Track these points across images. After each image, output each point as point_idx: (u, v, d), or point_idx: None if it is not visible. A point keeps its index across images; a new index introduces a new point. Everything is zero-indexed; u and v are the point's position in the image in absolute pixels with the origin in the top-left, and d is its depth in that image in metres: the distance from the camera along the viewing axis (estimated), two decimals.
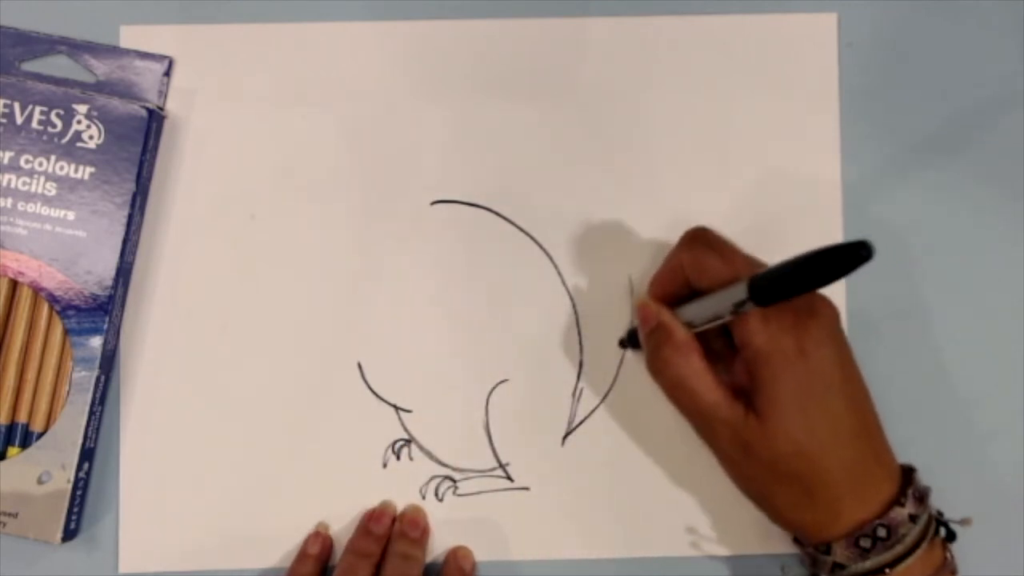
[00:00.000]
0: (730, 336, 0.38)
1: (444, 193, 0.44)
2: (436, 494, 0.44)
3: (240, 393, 0.44)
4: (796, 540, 0.40)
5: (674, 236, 0.44)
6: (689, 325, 0.39)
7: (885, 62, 0.45)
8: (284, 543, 0.43)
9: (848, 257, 0.32)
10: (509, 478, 0.44)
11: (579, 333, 0.44)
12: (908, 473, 0.38)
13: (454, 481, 0.44)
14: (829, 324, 0.37)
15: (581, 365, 0.44)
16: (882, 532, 0.37)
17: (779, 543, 0.43)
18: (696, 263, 0.38)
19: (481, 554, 0.44)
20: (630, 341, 0.44)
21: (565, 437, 0.44)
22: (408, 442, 0.44)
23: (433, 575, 0.43)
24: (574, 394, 0.44)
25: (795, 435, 0.36)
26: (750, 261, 0.38)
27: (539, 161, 0.44)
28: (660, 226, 0.44)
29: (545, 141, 0.44)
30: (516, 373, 0.44)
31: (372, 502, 0.44)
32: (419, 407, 0.44)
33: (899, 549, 0.36)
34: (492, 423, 0.44)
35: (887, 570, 0.36)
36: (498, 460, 0.44)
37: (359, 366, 0.44)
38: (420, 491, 0.44)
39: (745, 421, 0.37)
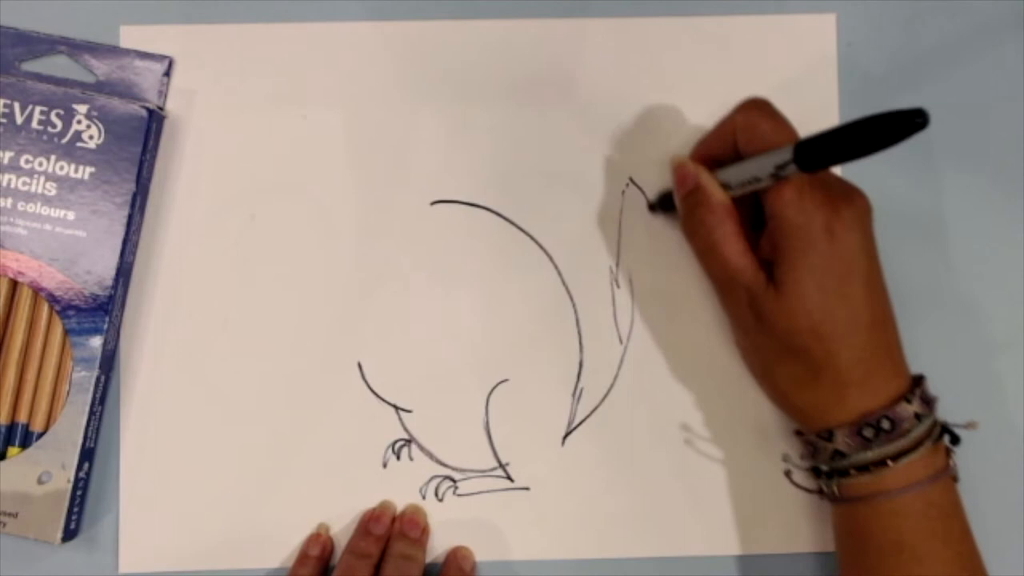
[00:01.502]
0: (759, 212, 0.38)
1: (444, 193, 0.44)
2: (436, 494, 0.44)
3: (240, 393, 0.44)
4: (797, 432, 0.40)
5: (673, 237, 0.44)
6: (725, 187, 0.39)
7: (885, 62, 0.45)
8: (284, 543, 0.43)
9: (902, 124, 0.32)
10: (509, 478, 0.44)
11: (579, 333, 0.44)
12: (918, 379, 0.39)
13: (454, 481, 0.44)
14: (861, 212, 0.37)
15: (581, 365, 0.44)
16: (886, 424, 0.37)
17: (780, 543, 0.43)
18: (749, 125, 0.38)
19: (481, 554, 0.44)
20: (661, 204, 0.43)
21: (565, 437, 0.44)
22: (408, 442, 0.44)
23: (433, 575, 0.43)
24: (574, 394, 0.44)
25: (811, 311, 0.36)
26: (800, 136, 0.38)
27: (539, 161, 0.44)
28: (661, 226, 0.44)
29: (545, 141, 0.44)
30: (516, 373, 0.44)
31: (372, 502, 0.44)
32: (419, 407, 0.44)
33: (902, 443, 0.37)
34: (492, 423, 0.44)
35: (889, 462, 0.37)
36: (498, 460, 0.44)
37: (359, 366, 0.44)
38: (420, 491, 0.44)
39: (764, 290, 0.37)
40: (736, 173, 0.39)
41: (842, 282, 0.36)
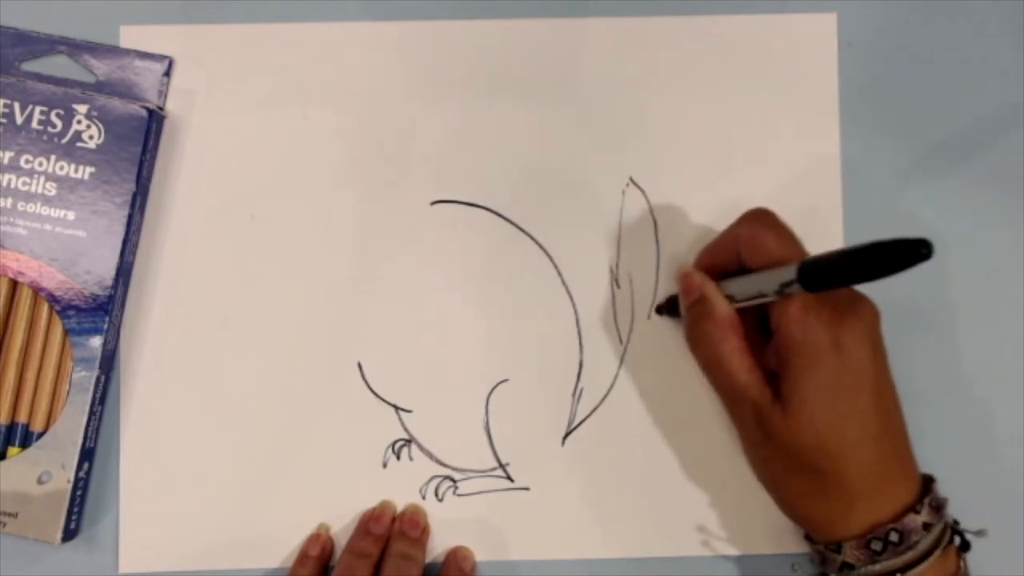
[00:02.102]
0: (765, 320, 0.38)
1: (444, 193, 0.44)
2: (436, 494, 0.44)
3: (240, 393, 0.44)
4: (807, 537, 0.40)
5: (673, 236, 0.44)
6: (730, 299, 0.39)
7: (885, 62, 0.45)
8: (284, 543, 0.43)
9: (906, 253, 0.32)
10: (509, 478, 0.44)
11: (579, 333, 0.44)
12: (927, 482, 0.38)
13: (454, 481, 0.44)
14: (868, 323, 0.37)
15: (581, 365, 0.44)
16: (894, 537, 0.36)
17: (783, 543, 0.44)
18: (753, 239, 0.38)
19: (481, 554, 0.44)
20: (668, 309, 0.43)
21: (565, 437, 0.44)
22: (408, 442, 0.44)
23: (433, 575, 0.43)
24: (574, 394, 0.44)
25: (819, 429, 0.36)
26: (804, 251, 0.38)
27: (539, 161, 0.44)
28: (661, 226, 0.44)
29: (545, 141, 0.44)
30: (516, 373, 0.44)
31: (372, 502, 0.44)
32: (419, 407, 0.44)
33: (910, 556, 0.36)
34: (492, 423, 0.44)
35: (898, 574, 0.36)
36: (498, 460, 0.44)
37: (359, 366, 0.44)
38: (420, 491, 0.44)
39: (772, 407, 0.37)
40: (741, 286, 0.38)
41: (850, 397, 0.36)
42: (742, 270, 0.39)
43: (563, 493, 0.44)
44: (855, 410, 0.36)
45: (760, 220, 0.39)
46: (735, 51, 0.45)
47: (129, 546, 0.43)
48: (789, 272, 0.36)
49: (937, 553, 0.36)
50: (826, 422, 0.36)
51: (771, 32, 0.45)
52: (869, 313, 0.37)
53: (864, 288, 0.36)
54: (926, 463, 0.39)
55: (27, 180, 0.42)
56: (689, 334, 0.40)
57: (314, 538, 0.43)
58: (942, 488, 0.39)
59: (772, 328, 0.37)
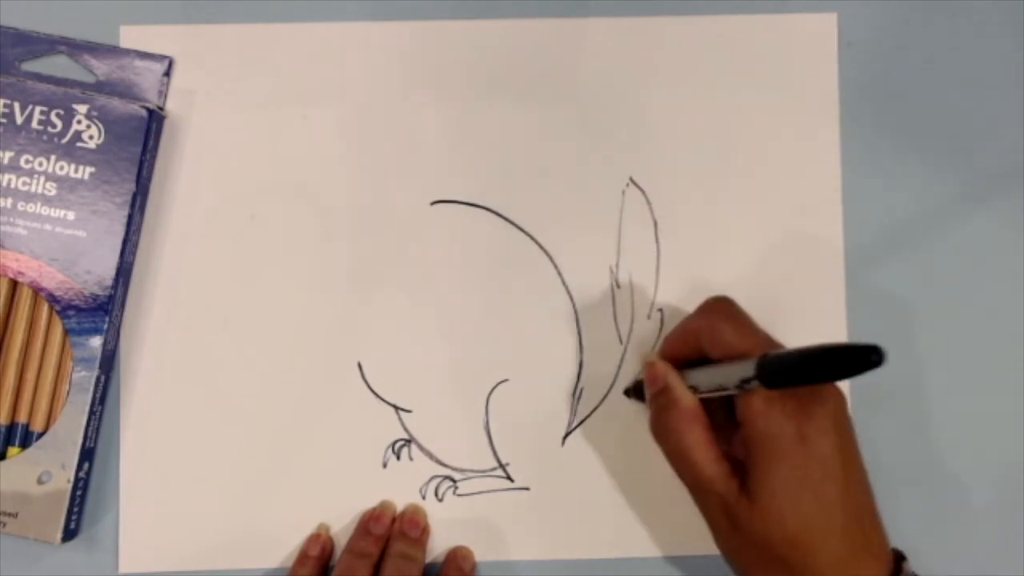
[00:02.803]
0: (733, 407, 0.38)
1: (444, 193, 0.44)
2: (436, 494, 0.44)
3: (240, 393, 0.44)
4: None
5: (673, 236, 0.44)
6: (694, 389, 0.38)
7: (885, 62, 0.45)
8: (284, 543, 0.43)
9: (858, 359, 0.32)
10: (509, 478, 0.44)
11: (579, 333, 0.44)
12: (898, 561, 0.37)
13: (454, 481, 0.44)
14: (834, 411, 0.36)
15: (581, 365, 0.44)
16: None
17: None
18: (712, 331, 0.38)
19: (481, 554, 0.44)
20: (635, 392, 0.43)
21: (565, 437, 0.44)
22: (408, 442, 0.44)
23: (433, 575, 0.43)
24: (574, 394, 0.44)
25: (786, 522, 0.35)
26: (765, 339, 0.38)
27: (539, 161, 0.44)
28: (661, 226, 0.44)
29: (545, 141, 0.44)
30: (516, 373, 0.44)
31: (372, 502, 0.44)
32: (419, 407, 0.44)
33: None
34: (492, 423, 0.44)
35: None
36: (498, 460, 0.44)
37: (359, 366, 0.44)
38: (420, 491, 0.44)
39: (738, 499, 0.36)
40: (704, 378, 0.38)
41: (817, 489, 0.35)
42: (705, 359, 0.39)
43: (563, 493, 0.44)
44: (822, 501, 0.35)
45: (718, 311, 0.39)
46: (735, 51, 0.45)
47: (129, 546, 0.43)
48: (748, 368, 0.35)
49: None
50: (793, 515, 0.35)
51: (771, 32, 0.45)
52: (834, 401, 0.36)
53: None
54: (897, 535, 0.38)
55: (27, 180, 0.42)
56: (654, 424, 0.39)
57: (314, 538, 0.43)
58: (915, 560, 0.38)
59: (738, 419, 0.37)
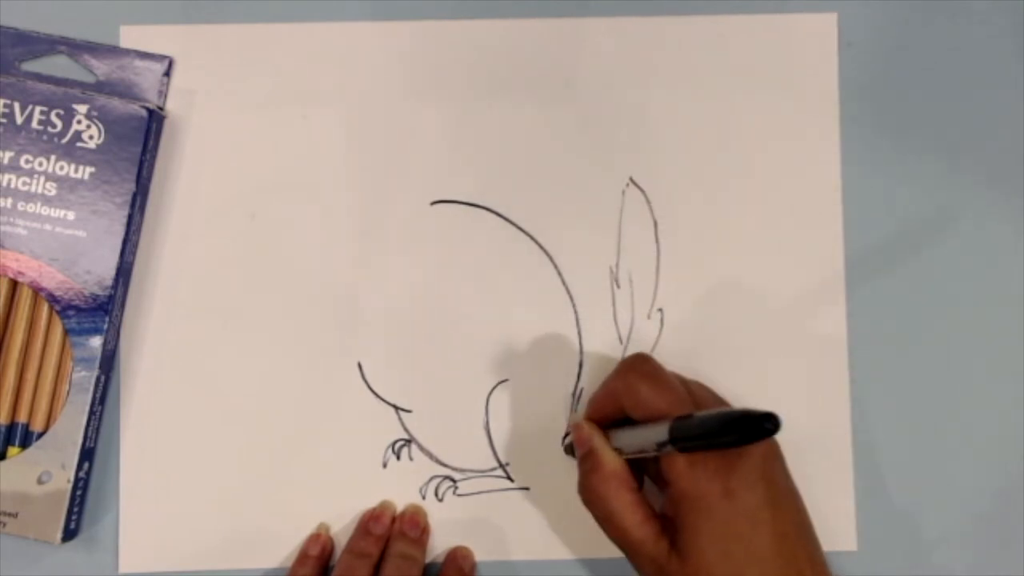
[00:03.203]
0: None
1: (444, 193, 0.44)
2: (436, 494, 0.44)
3: (240, 393, 0.44)
4: None
5: (673, 236, 0.44)
6: (619, 451, 0.38)
7: (885, 62, 0.45)
8: (284, 543, 0.43)
9: (755, 427, 0.32)
10: (509, 478, 0.44)
11: (579, 333, 0.44)
12: None
13: (454, 481, 0.44)
14: (758, 464, 0.35)
15: (581, 365, 0.44)
16: None
17: None
18: (630, 392, 0.38)
19: (481, 554, 0.44)
20: (571, 450, 0.43)
21: (565, 437, 0.44)
22: (408, 442, 0.44)
23: (433, 575, 0.43)
24: (574, 394, 0.44)
25: None
26: (681, 397, 0.37)
27: (539, 161, 0.44)
28: (661, 226, 0.44)
29: (545, 141, 0.44)
30: (516, 373, 0.44)
31: (372, 502, 0.44)
32: (419, 407, 0.44)
33: None
34: (492, 423, 0.44)
35: None
36: (498, 460, 0.44)
37: (359, 366, 0.44)
38: (420, 491, 0.44)
39: (668, 559, 0.36)
40: (627, 440, 0.38)
41: (746, 543, 0.35)
42: (627, 420, 0.38)
43: (563, 493, 0.44)
44: (753, 556, 0.35)
45: (635, 370, 0.38)
46: (735, 51, 0.45)
47: (129, 546, 0.43)
48: (662, 432, 0.35)
49: None
50: (723, 571, 0.35)
51: (771, 32, 0.45)
52: (760, 452, 0.36)
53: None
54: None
55: (27, 180, 0.42)
56: (581, 487, 0.39)
57: (314, 538, 0.43)
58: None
59: (664, 478, 0.37)
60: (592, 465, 0.38)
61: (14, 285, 0.43)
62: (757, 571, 0.35)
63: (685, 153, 0.44)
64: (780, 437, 0.43)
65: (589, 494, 0.39)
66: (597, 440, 0.39)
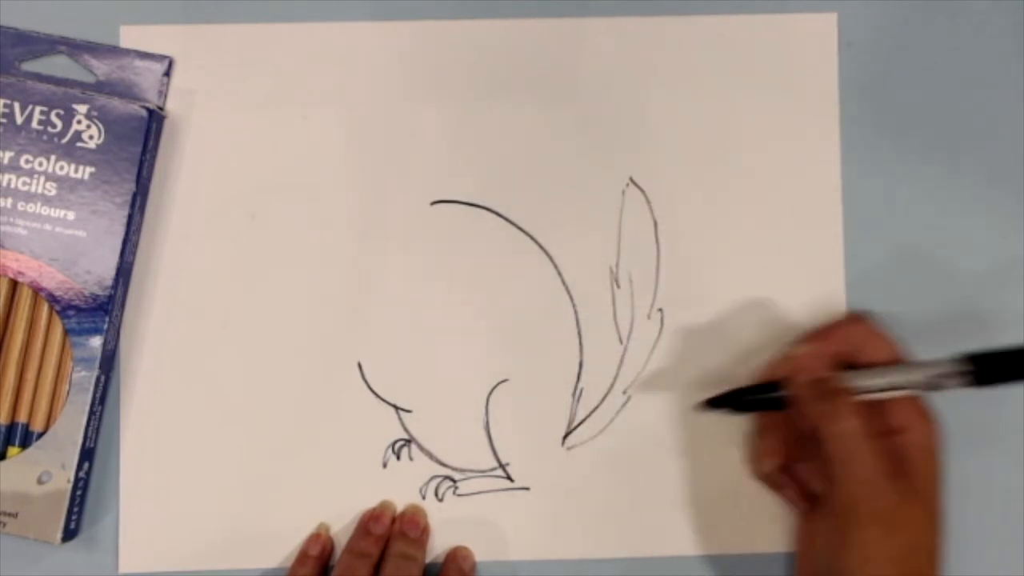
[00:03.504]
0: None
1: (444, 193, 0.44)
2: (436, 494, 0.44)
3: (240, 393, 0.44)
4: None
5: (673, 236, 0.44)
6: (856, 388, 0.39)
7: (885, 62, 0.45)
8: (284, 543, 0.43)
9: None
10: (509, 478, 0.44)
11: (579, 333, 0.44)
12: None
13: (454, 481, 0.44)
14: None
15: (581, 365, 0.44)
16: None
17: (782, 543, 0.43)
18: (868, 335, 0.40)
19: (481, 554, 0.44)
20: (728, 403, 0.41)
21: (565, 437, 0.44)
22: (408, 442, 0.44)
23: (433, 575, 0.43)
24: (574, 394, 0.44)
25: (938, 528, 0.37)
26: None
27: (539, 161, 0.44)
28: (661, 226, 0.44)
29: (545, 141, 0.44)
30: (516, 373, 0.44)
31: (372, 502, 0.44)
32: (419, 407, 0.44)
33: None
34: (492, 423, 0.44)
35: None
36: (498, 460, 0.44)
37: (359, 366, 0.44)
38: (420, 491, 0.44)
39: (903, 497, 0.37)
40: (874, 378, 0.39)
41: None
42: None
43: (563, 493, 0.44)
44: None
45: (864, 319, 0.41)
46: (735, 51, 0.45)
47: (129, 546, 0.43)
48: (950, 364, 0.37)
49: None
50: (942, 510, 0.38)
51: (771, 32, 0.45)
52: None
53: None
54: None
55: (27, 180, 0.42)
56: (811, 414, 0.39)
57: (314, 538, 0.43)
58: None
59: (894, 426, 0.38)
60: (834, 389, 0.38)
61: (14, 285, 0.43)
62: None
63: (685, 153, 0.44)
64: None
65: (830, 417, 0.38)
66: (832, 370, 0.39)
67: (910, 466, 0.38)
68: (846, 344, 0.40)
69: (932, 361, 0.37)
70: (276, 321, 0.44)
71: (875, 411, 0.39)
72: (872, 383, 0.39)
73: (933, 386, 0.37)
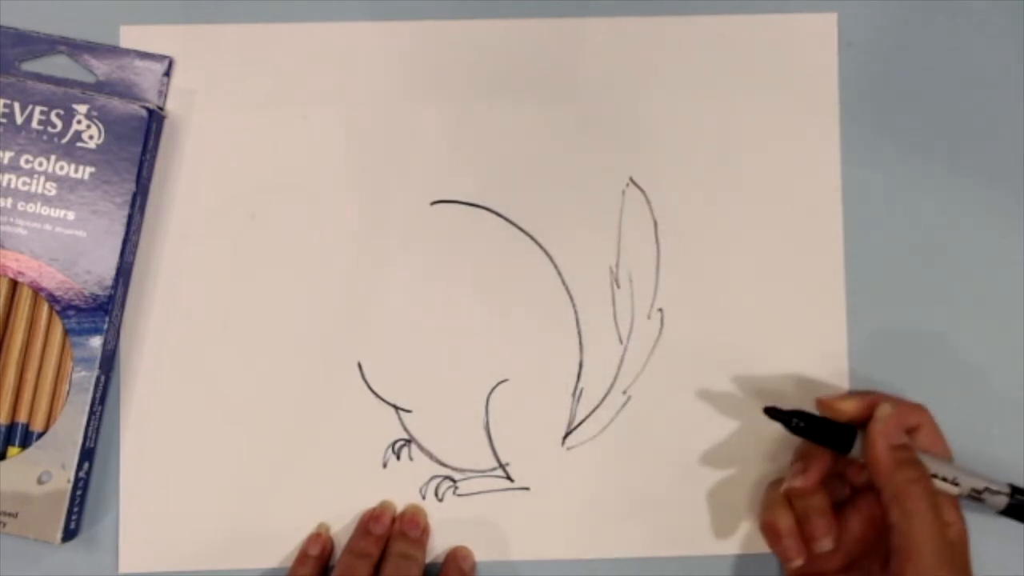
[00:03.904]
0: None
1: (444, 193, 0.44)
2: (436, 494, 0.44)
3: (240, 393, 0.44)
4: None
5: (673, 236, 0.44)
6: (939, 478, 0.40)
7: (885, 62, 0.45)
8: (284, 543, 0.43)
9: None
10: (509, 478, 0.44)
11: (579, 333, 0.44)
12: None
13: (454, 481, 0.44)
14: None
15: (581, 365, 0.44)
16: None
17: None
18: (929, 426, 0.41)
19: (481, 554, 0.44)
20: (789, 421, 0.40)
21: (565, 437, 0.44)
22: (408, 442, 0.44)
23: (433, 575, 0.43)
24: (574, 394, 0.44)
25: None
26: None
27: (539, 161, 0.44)
28: (661, 226, 0.44)
29: (545, 141, 0.44)
30: (516, 373, 0.44)
31: (372, 502, 0.44)
32: (419, 407, 0.44)
33: None
34: (492, 423, 0.44)
35: None
36: (498, 460, 0.44)
37: (359, 366, 0.44)
38: (420, 491, 0.44)
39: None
40: (961, 475, 0.40)
41: None
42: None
43: (563, 493, 0.44)
44: None
45: (935, 422, 0.41)
46: (735, 51, 0.45)
47: (129, 546, 0.43)
48: (999, 484, 0.40)
49: None
50: None
51: (771, 32, 0.45)
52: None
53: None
54: None
55: (27, 180, 0.42)
56: (888, 477, 0.38)
57: (314, 537, 0.43)
58: None
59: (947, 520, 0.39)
60: (911, 459, 0.39)
61: (14, 285, 0.43)
62: None
63: (685, 153, 0.44)
64: (779, 446, 0.43)
65: (916, 483, 0.38)
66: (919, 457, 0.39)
67: (961, 561, 0.39)
68: (907, 423, 0.40)
69: (988, 477, 0.40)
70: (276, 321, 0.44)
71: None
72: (939, 471, 0.40)
73: (977, 496, 0.40)
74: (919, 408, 0.41)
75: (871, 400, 0.41)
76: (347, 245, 0.44)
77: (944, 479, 0.39)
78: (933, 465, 0.39)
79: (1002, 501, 0.40)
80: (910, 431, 0.40)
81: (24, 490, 0.41)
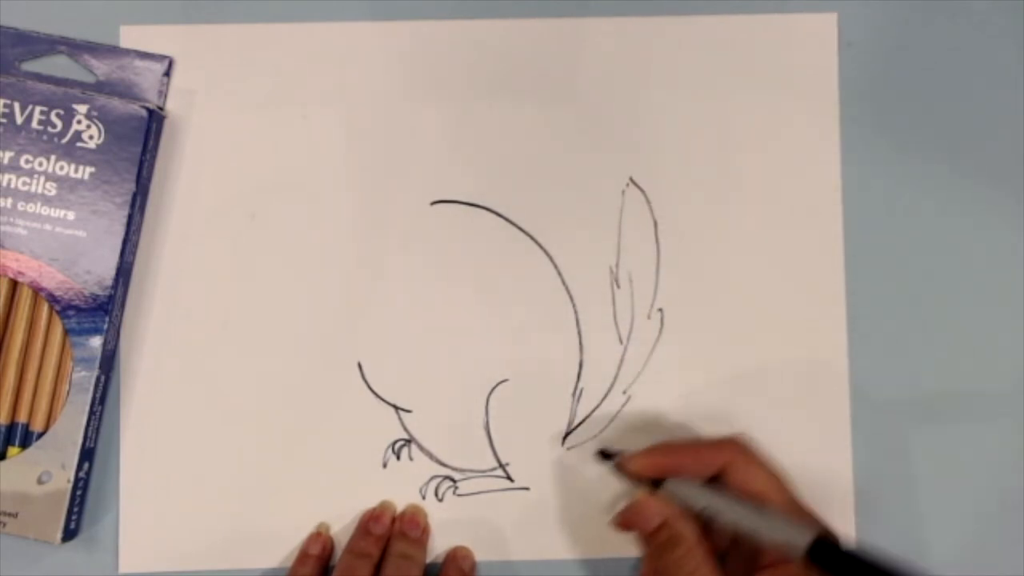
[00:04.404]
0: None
1: (444, 193, 0.44)
2: (436, 494, 0.44)
3: (240, 393, 0.44)
4: None
5: (673, 236, 0.44)
6: (706, 513, 0.38)
7: (885, 62, 0.45)
8: (284, 543, 0.43)
9: None
10: (509, 478, 0.44)
11: (579, 333, 0.44)
12: None
13: (454, 481, 0.44)
14: None
15: (581, 365, 0.44)
16: None
17: None
18: (748, 466, 0.38)
19: (481, 554, 0.44)
20: (608, 458, 0.42)
21: (565, 437, 0.44)
22: (408, 442, 0.44)
23: (433, 575, 0.43)
24: (574, 394, 0.44)
25: None
26: (785, 489, 0.38)
27: (539, 161, 0.44)
28: (661, 226, 0.44)
29: (545, 141, 0.45)
30: (516, 373, 0.44)
31: (372, 502, 0.44)
32: (419, 407, 0.44)
33: None
34: (492, 423, 0.44)
35: None
36: (498, 460, 0.44)
37: (359, 366, 0.44)
38: (420, 491, 0.44)
39: None
40: (732, 511, 0.37)
41: None
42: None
43: (563, 493, 0.44)
44: None
45: (745, 446, 0.39)
46: (735, 51, 0.45)
47: (129, 546, 0.43)
48: (801, 539, 0.36)
49: None
50: None
51: (771, 32, 0.45)
52: None
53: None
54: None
55: (27, 180, 0.42)
56: (653, 564, 0.38)
57: (314, 537, 0.43)
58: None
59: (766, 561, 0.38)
60: (671, 539, 0.37)
61: (14, 285, 0.43)
62: None
63: (685, 153, 0.44)
64: (779, 446, 0.43)
65: (670, 568, 0.37)
66: (671, 511, 0.38)
67: None
68: (717, 465, 0.38)
69: (792, 528, 0.36)
70: (276, 321, 0.44)
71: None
72: (727, 517, 0.37)
73: (779, 548, 0.36)
74: (725, 445, 0.39)
75: (664, 455, 0.39)
76: (347, 245, 0.44)
77: (730, 523, 0.37)
78: (730, 514, 0.37)
79: (799, 553, 0.36)
80: (717, 475, 0.39)
81: (24, 490, 0.41)
